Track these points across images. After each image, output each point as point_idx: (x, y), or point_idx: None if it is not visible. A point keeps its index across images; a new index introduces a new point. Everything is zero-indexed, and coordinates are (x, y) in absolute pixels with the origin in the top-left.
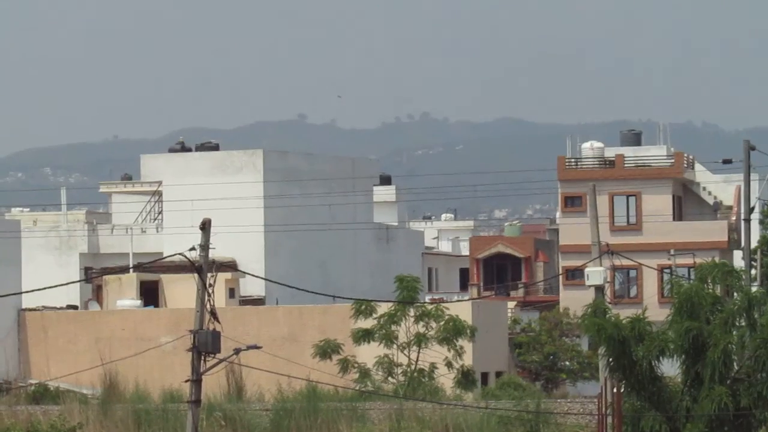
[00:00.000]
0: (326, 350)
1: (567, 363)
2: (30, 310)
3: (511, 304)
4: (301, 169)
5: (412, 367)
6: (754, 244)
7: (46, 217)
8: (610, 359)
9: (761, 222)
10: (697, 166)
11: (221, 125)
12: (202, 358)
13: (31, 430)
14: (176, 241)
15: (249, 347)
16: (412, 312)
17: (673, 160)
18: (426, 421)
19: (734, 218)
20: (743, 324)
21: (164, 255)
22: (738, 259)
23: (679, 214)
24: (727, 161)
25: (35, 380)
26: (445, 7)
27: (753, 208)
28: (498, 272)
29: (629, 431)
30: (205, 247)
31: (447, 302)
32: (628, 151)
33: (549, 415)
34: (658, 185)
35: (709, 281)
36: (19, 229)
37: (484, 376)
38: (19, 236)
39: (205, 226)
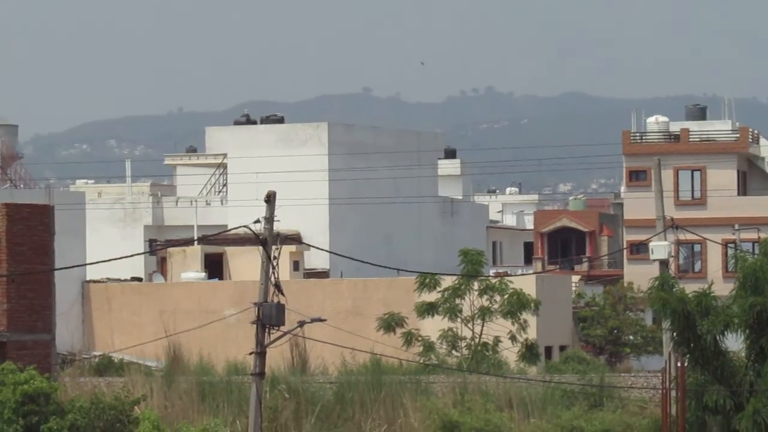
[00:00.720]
0: (390, 323)
1: (631, 337)
2: (94, 282)
3: (575, 278)
4: (366, 142)
5: (476, 340)
6: None
7: (111, 189)
8: (675, 333)
9: None
10: (762, 141)
11: (286, 98)
12: (266, 330)
13: (95, 401)
14: (241, 213)
15: (313, 320)
16: (476, 285)
17: (738, 135)
18: (489, 395)
19: None
20: None
21: (229, 227)
22: None
23: (743, 189)
24: None
25: (99, 352)
26: None
27: None
28: (562, 246)
29: (693, 405)
30: (269, 219)
31: (511, 276)
32: (693, 126)
33: (612, 389)
34: (723, 160)
35: None
36: (84, 201)
37: (548, 350)
38: (83, 208)
39: (270, 199)
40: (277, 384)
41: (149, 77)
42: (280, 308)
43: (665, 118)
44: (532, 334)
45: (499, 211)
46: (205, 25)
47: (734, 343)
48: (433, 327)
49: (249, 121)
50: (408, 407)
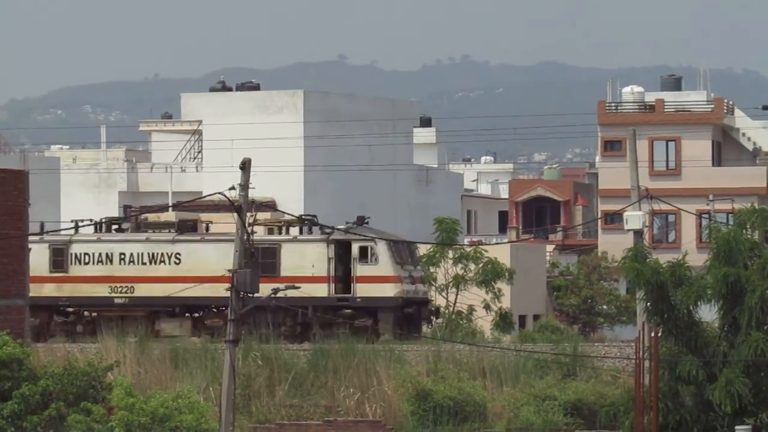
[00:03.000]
0: None
1: (604, 307)
2: None
3: (549, 248)
4: (341, 110)
5: (450, 309)
6: None
7: (86, 154)
8: (648, 304)
9: None
10: (737, 112)
11: (262, 65)
12: (240, 297)
13: (68, 368)
14: (216, 180)
15: (287, 287)
16: (450, 254)
17: (712, 106)
18: (463, 363)
19: None
20: None
21: (204, 194)
22: None
23: (718, 160)
24: (766, 107)
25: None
26: None
27: None
28: (537, 215)
29: (666, 375)
30: (244, 186)
31: (486, 245)
32: (668, 96)
33: (586, 359)
34: (698, 130)
35: (748, 227)
36: (59, 167)
37: (522, 319)
38: (58, 173)
39: (245, 166)
40: (250, 351)
41: (125, 43)
42: (255, 275)
43: (640, 89)
44: (506, 303)
45: (474, 180)
46: None
47: (708, 313)
48: None
49: (225, 88)
50: (381, 375)
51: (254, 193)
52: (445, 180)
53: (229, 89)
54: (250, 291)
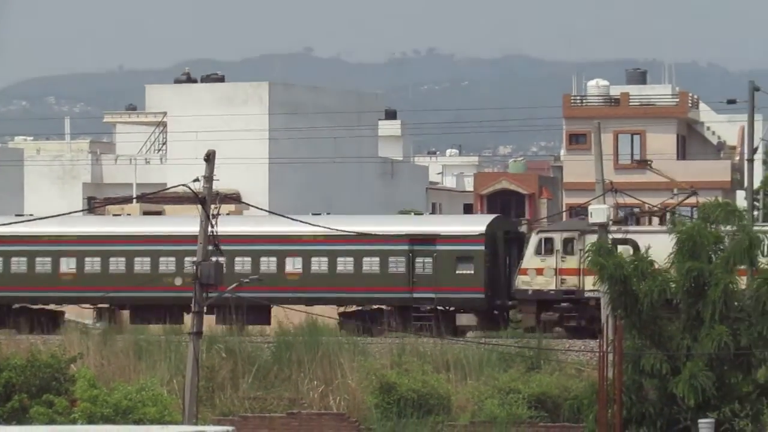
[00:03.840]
0: None
1: None
2: None
3: None
4: (306, 102)
5: None
6: (757, 184)
7: (50, 146)
8: (612, 297)
9: (764, 162)
10: (702, 106)
11: (227, 57)
12: (204, 289)
13: (31, 359)
14: (180, 172)
15: (251, 279)
16: None
17: (677, 100)
18: (427, 356)
19: (738, 158)
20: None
21: (168, 186)
22: (741, 199)
23: (682, 154)
24: (731, 101)
25: None
26: None
27: (756, 149)
28: (502, 208)
29: (630, 369)
30: (209, 178)
31: None
32: (633, 90)
33: (550, 352)
34: (663, 124)
35: (712, 221)
36: (23, 158)
37: None
38: (22, 164)
39: (210, 158)
40: (214, 343)
41: (89, 34)
42: (218, 267)
43: (605, 82)
44: None
45: (439, 173)
46: None
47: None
48: None
49: (189, 80)
50: (345, 368)
51: (219, 185)
52: (410, 172)
53: (194, 81)
54: (214, 283)
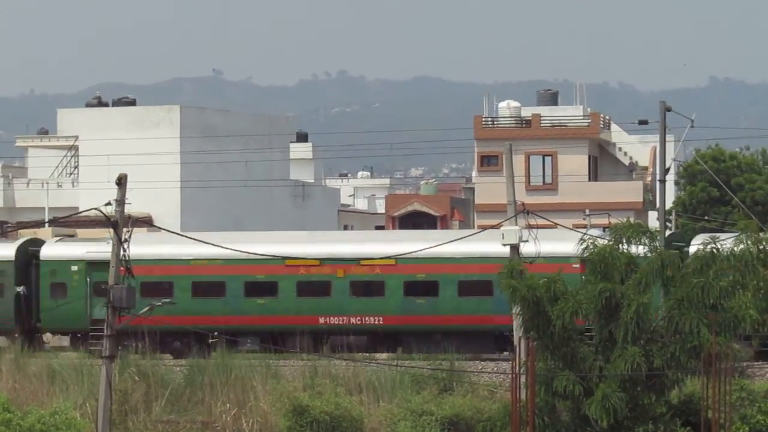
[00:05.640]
0: None
1: None
2: None
3: None
4: (217, 125)
5: None
6: (669, 205)
7: None
8: (524, 319)
9: (676, 183)
10: (613, 127)
11: (138, 81)
12: (117, 313)
13: None
14: (92, 196)
15: (164, 303)
16: None
17: (589, 121)
18: (340, 378)
19: (649, 179)
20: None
21: (80, 210)
22: (653, 220)
23: (594, 175)
24: (642, 122)
25: None
26: None
27: (668, 169)
28: (414, 230)
29: (543, 390)
30: (121, 202)
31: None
32: (545, 111)
33: (463, 374)
34: (574, 145)
35: (624, 242)
36: None
37: None
38: None
39: (121, 181)
40: (127, 367)
41: (0, 58)
42: (131, 291)
43: (517, 104)
44: None
45: (350, 195)
46: (58, 5)
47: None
48: None
49: (101, 104)
50: (258, 390)
51: (131, 209)
52: (322, 195)
53: (106, 105)
54: (126, 306)
